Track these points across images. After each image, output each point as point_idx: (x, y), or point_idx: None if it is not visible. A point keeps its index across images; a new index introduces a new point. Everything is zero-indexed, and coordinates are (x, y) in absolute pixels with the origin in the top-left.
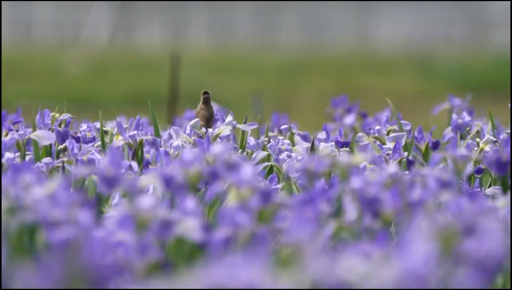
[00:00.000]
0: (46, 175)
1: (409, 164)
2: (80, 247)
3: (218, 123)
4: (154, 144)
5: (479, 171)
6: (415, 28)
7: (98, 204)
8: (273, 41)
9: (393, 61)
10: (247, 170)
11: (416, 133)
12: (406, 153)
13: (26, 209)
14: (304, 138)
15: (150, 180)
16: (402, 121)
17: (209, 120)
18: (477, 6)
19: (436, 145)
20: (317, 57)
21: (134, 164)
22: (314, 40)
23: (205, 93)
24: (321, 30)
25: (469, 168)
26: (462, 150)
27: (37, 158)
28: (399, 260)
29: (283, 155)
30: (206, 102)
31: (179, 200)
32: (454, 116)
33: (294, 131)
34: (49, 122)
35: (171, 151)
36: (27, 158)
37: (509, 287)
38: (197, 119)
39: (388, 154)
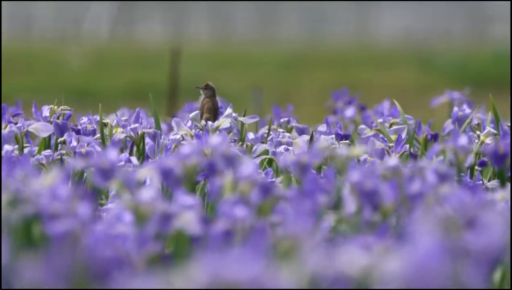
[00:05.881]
0: (45, 167)
1: (412, 157)
2: (79, 239)
3: (221, 116)
4: (155, 137)
5: (482, 163)
6: (415, 22)
7: (96, 196)
8: (273, 35)
9: (393, 55)
10: (247, 164)
11: (414, 126)
12: (408, 146)
13: (25, 202)
14: (303, 131)
15: (147, 173)
16: (405, 116)
17: (215, 113)
18: (477, 0)
19: (435, 138)
20: (317, 51)
21: (133, 157)
22: (314, 34)
23: (208, 85)
24: (321, 24)
25: (470, 159)
26: (462, 141)
27: (39, 151)
28: (404, 253)
29: (280, 148)
30: (212, 94)
31: (177, 193)
32: (455, 108)
33: (292, 124)
34: (48, 115)
35: (170, 144)
36: (25, 150)
37: (507, 281)
38: (197, 111)
39: (390, 147)
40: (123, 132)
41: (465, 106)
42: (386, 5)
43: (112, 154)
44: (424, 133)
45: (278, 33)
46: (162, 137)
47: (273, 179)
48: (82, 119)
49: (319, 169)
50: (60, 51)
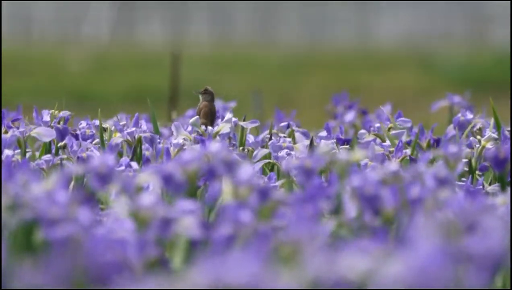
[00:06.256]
0: (46, 172)
1: (412, 162)
2: (78, 244)
3: (219, 120)
4: (152, 141)
5: (483, 168)
6: (416, 25)
7: (96, 201)
8: (274, 38)
9: (394, 57)
10: (246, 168)
11: (416, 130)
12: (408, 151)
13: (24, 207)
14: (304, 135)
15: (148, 178)
16: (402, 119)
17: (212, 118)
18: (477, 2)
19: (437, 143)
20: (317, 54)
21: (133, 162)
22: (314, 37)
23: (206, 90)
24: (322, 27)
25: (462, 165)
26: (452, 148)
27: (33, 157)
28: (404, 257)
29: (282, 153)
30: (210, 99)
31: (178, 198)
32: (459, 115)
33: (294, 128)
34: (48, 119)
35: (171, 149)
36: (27, 155)
37: (509, 286)
38: (197, 117)
39: (390, 152)
40: (120, 137)
41: (467, 112)
42: (386, 7)
43: (109, 158)
44: (427, 138)
45: (278, 35)
46: (162, 141)
47: (276, 184)
48: (81, 123)
49: (319, 174)
50: (60, 54)
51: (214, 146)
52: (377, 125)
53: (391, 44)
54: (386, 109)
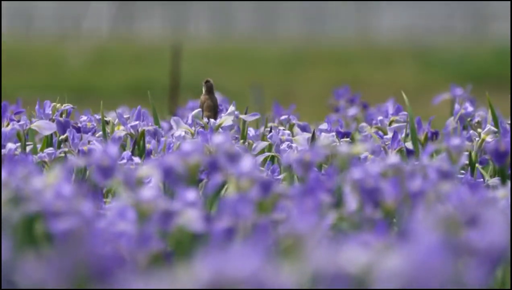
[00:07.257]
0: (48, 165)
1: (409, 153)
2: (81, 238)
3: (222, 113)
4: (155, 134)
5: (483, 161)
6: (415, 20)
7: (99, 194)
8: (274, 33)
9: (393, 52)
10: (247, 161)
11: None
12: (404, 143)
13: (27, 200)
14: (304, 128)
15: (149, 171)
16: (403, 113)
17: (215, 111)
18: None
19: (436, 135)
20: (317, 48)
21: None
22: (314, 32)
23: (208, 82)
24: (321, 21)
25: (464, 158)
26: (455, 140)
27: (35, 150)
28: (405, 251)
29: (283, 146)
30: (210, 91)
31: (179, 191)
32: (456, 106)
33: (294, 122)
34: (50, 112)
35: (174, 141)
36: (27, 148)
37: (508, 279)
38: (199, 109)
39: (387, 144)
40: (123, 130)
41: (467, 104)
42: (386, 2)
43: (112, 151)
44: (424, 131)
45: (279, 30)
46: (164, 135)
47: (279, 177)
48: (81, 117)
49: (320, 167)
50: (60, 49)
51: (217, 138)
52: (379, 118)
53: (391, 38)
54: (391, 104)
